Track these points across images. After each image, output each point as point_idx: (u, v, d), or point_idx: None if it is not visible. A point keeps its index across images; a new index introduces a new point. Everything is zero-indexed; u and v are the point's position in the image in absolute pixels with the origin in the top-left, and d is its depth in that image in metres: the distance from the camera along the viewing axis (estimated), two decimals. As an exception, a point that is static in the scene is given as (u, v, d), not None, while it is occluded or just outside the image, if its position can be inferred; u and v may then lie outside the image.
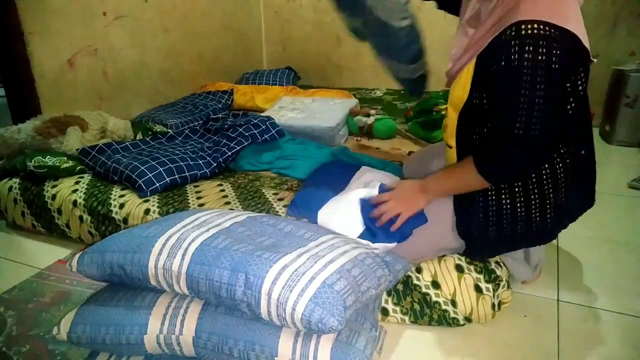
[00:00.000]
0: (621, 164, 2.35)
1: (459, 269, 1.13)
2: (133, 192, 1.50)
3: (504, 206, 1.03)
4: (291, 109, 2.27)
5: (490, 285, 1.11)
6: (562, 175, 1.01)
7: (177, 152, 1.69)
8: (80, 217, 1.52)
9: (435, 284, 1.13)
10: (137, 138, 2.00)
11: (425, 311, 1.14)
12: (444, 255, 1.15)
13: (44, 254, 1.53)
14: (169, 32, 2.71)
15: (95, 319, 0.91)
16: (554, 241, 1.54)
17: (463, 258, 1.14)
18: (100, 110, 2.02)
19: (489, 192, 1.03)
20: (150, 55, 2.60)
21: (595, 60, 0.94)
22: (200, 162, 1.63)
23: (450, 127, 1.07)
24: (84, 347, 0.97)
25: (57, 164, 1.62)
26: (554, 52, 0.83)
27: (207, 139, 1.89)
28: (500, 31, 0.88)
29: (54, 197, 1.57)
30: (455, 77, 1.02)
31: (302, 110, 2.22)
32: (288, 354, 0.83)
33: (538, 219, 1.02)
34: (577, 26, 0.88)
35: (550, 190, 1.01)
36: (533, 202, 1.01)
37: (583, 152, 1.04)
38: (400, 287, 1.14)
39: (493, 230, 1.05)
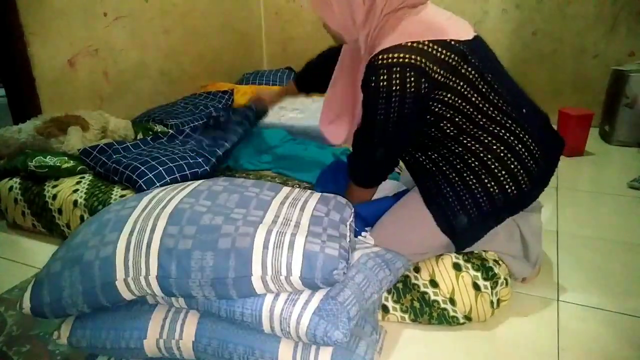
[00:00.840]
0: (621, 164, 2.35)
1: (457, 267, 1.13)
2: (134, 192, 1.50)
3: (475, 189, 1.04)
4: (291, 109, 2.27)
5: (488, 283, 1.11)
6: (518, 144, 1.03)
7: (177, 150, 1.69)
8: (81, 217, 1.52)
9: (434, 283, 1.13)
10: (138, 138, 2.00)
11: (425, 309, 1.14)
12: (441, 255, 1.16)
13: (44, 254, 1.52)
14: (170, 33, 2.71)
15: (95, 324, 0.91)
16: (554, 241, 1.54)
17: (461, 256, 1.15)
18: (101, 110, 2.02)
19: (454, 181, 1.05)
20: (151, 56, 2.61)
21: (471, 37, 1.03)
22: (199, 159, 1.63)
23: None
24: (84, 351, 0.97)
25: (57, 164, 1.62)
26: (409, 76, 0.93)
27: (206, 136, 1.89)
28: (369, 58, 0.98)
29: (54, 197, 1.57)
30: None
31: (302, 111, 2.23)
32: (288, 360, 0.83)
33: (514, 189, 1.04)
34: (438, 29, 0.98)
35: (514, 161, 1.03)
36: (502, 178, 1.03)
37: (523, 110, 1.07)
38: (399, 285, 1.14)
39: (474, 212, 1.05)
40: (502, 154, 1.03)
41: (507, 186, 1.03)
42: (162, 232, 0.86)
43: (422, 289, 1.13)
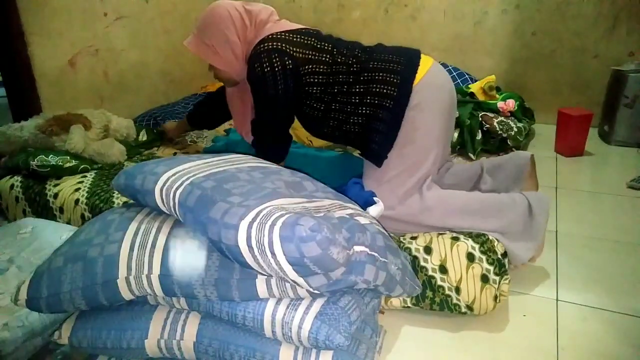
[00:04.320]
0: (620, 164, 2.36)
1: (470, 257, 1.13)
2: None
3: (370, 112, 1.24)
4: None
5: (497, 278, 1.12)
6: (374, 73, 1.24)
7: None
8: (82, 216, 1.52)
9: (443, 269, 1.13)
10: (141, 138, 1.99)
11: (428, 294, 1.14)
12: (457, 240, 1.15)
13: (45, 253, 1.53)
14: (170, 33, 2.71)
15: (96, 324, 0.91)
16: (554, 241, 1.54)
17: (477, 247, 1.14)
18: (103, 109, 2.01)
19: (354, 121, 1.27)
20: (151, 56, 2.61)
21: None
22: None
23: None
24: (85, 351, 0.97)
25: (60, 163, 1.62)
26: (274, 57, 1.20)
27: None
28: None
29: (55, 195, 1.57)
30: None
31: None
32: (289, 363, 0.83)
33: (390, 98, 1.21)
34: (290, 25, 1.32)
35: (378, 84, 1.23)
36: (377, 97, 1.23)
37: (367, 49, 1.31)
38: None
39: (381, 125, 1.22)
40: (365, 86, 1.24)
41: (385, 100, 1.22)
42: (168, 233, 0.86)
43: (430, 272, 1.14)
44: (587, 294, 1.28)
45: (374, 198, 1.16)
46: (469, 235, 1.18)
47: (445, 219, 1.21)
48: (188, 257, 0.83)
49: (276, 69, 1.20)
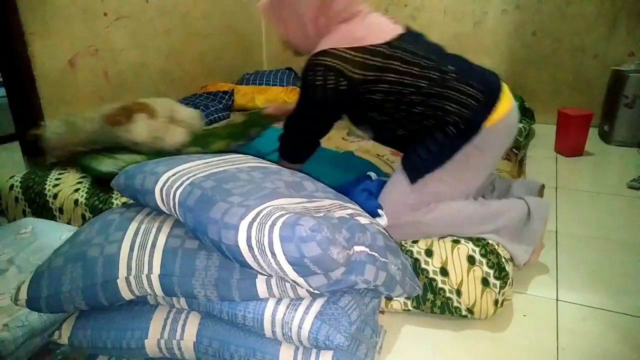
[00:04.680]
0: (620, 164, 2.36)
1: (471, 260, 1.13)
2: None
3: (432, 131, 1.16)
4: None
5: (498, 282, 1.12)
6: (447, 99, 1.15)
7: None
8: (83, 216, 1.52)
9: (444, 271, 1.13)
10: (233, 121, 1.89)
11: (429, 297, 1.14)
12: (457, 243, 1.15)
13: (45, 253, 1.53)
14: (170, 33, 2.71)
15: (96, 324, 0.91)
16: (554, 241, 1.54)
17: (477, 250, 1.14)
18: (169, 97, 1.93)
19: (411, 132, 1.20)
20: (151, 56, 2.61)
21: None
22: None
23: None
24: (85, 351, 0.97)
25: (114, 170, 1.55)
26: (329, 75, 1.16)
27: None
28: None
29: (55, 196, 1.57)
30: None
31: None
32: (289, 363, 0.83)
33: (455, 128, 1.13)
34: (356, 39, 1.18)
35: (452, 109, 1.14)
36: (447, 119, 1.14)
37: (449, 67, 1.19)
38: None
39: (433, 145, 1.16)
40: (432, 111, 1.16)
41: (449, 127, 1.14)
42: (168, 233, 0.86)
43: (431, 275, 1.14)
44: (587, 294, 1.28)
45: (379, 210, 1.15)
46: (470, 238, 1.18)
47: (448, 228, 1.19)
48: (188, 257, 0.83)
49: (327, 87, 1.16)
